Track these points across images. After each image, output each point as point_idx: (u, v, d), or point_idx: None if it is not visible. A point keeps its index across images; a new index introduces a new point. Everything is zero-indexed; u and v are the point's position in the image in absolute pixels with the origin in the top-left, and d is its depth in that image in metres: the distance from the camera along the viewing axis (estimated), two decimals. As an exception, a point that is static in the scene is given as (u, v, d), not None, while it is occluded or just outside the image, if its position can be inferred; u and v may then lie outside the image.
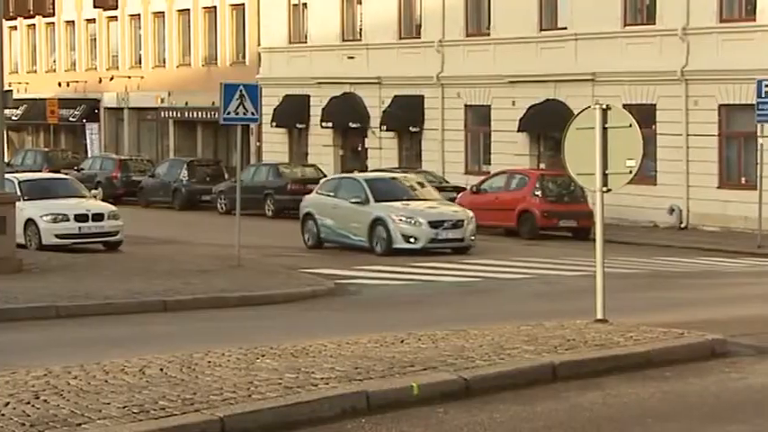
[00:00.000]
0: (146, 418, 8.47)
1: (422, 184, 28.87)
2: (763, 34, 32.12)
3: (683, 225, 33.89)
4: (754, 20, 32.51)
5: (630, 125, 13.28)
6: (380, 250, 25.83)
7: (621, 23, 35.42)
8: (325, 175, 40.42)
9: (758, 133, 29.16)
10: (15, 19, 59.01)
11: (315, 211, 27.70)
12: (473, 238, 26.51)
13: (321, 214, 27.52)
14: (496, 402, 9.66)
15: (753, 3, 32.78)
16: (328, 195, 27.89)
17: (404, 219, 25.92)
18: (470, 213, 26.88)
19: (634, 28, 35.24)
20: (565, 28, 36.75)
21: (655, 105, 34.37)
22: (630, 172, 13.25)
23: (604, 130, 13.24)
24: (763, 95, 28.51)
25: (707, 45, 33.31)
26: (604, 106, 13.41)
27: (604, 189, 13.36)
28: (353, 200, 26.87)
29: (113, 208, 27.56)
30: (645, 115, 32.26)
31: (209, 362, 10.57)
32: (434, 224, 25.90)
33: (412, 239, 25.79)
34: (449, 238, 26.07)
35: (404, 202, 26.66)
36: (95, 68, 55.86)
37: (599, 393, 10.07)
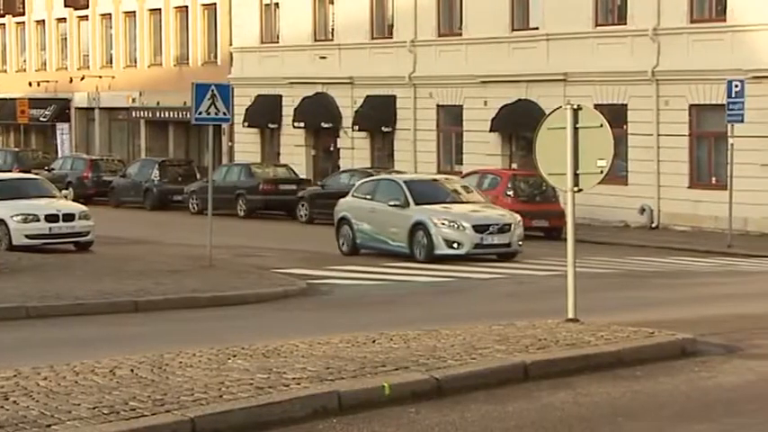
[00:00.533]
0: (116, 418, 8.43)
1: (466, 187, 27.06)
2: (734, 35, 32.30)
3: (654, 225, 34.04)
4: (725, 20, 32.68)
5: (601, 125, 13.33)
6: (421, 257, 24.08)
7: (593, 24, 35.54)
8: (296, 175, 40.60)
9: (728, 133, 29.30)
10: (-15, 18, 58.69)
11: (350, 216, 26.02)
12: (520, 243, 24.90)
13: (357, 219, 25.81)
14: (468, 402, 9.67)
15: (723, 3, 32.95)
16: (365, 198, 26.20)
17: (446, 223, 24.13)
18: (518, 217, 25.25)
19: (605, 28, 35.37)
20: (536, 28, 36.84)
21: (626, 105, 34.50)
22: (602, 172, 13.31)
23: (575, 130, 13.29)
24: (734, 95, 28.66)
25: (677, 45, 33.47)
26: (575, 106, 13.46)
27: (576, 189, 13.41)
28: (392, 203, 25.07)
29: (84, 208, 27.42)
30: (616, 115, 32.40)
31: (181, 362, 10.53)
32: (479, 228, 24.09)
33: (455, 245, 23.98)
34: (494, 243, 24.34)
35: (445, 205, 24.90)
36: (66, 68, 55.60)
37: (570, 393, 10.09)
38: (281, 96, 44.40)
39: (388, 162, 40.96)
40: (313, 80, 43.00)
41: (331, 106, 42.53)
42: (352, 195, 26.92)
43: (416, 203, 24.84)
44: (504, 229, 24.49)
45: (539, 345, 11.55)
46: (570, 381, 10.53)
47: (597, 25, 35.51)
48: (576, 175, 13.29)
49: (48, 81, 55.88)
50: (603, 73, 34.57)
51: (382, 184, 26.55)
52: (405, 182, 25.94)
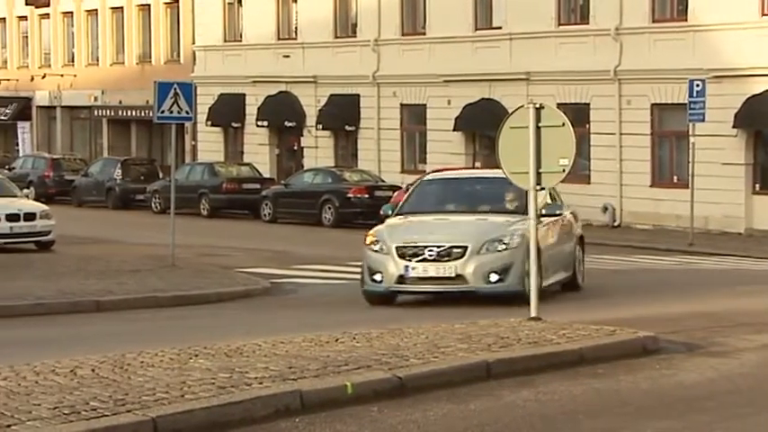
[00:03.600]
0: (77, 419, 8.37)
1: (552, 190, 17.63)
2: (695, 34, 32.51)
3: (616, 223, 34.21)
4: (686, 20, 32.89)
5: (563, 124, 13.41)
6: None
7: (555, 23, 35.67)
8: (260, 174, 40.53)
9: (690, 132, 29.51)
10: (-55, 16, 58.19)
11: None
12: (497, 278, 16.05)
13: None
14: (430, 401, 9.67)
15: (684, 3, 33.17)
16: None
17: (375, 244, 16.67)
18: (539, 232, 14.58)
19: (568, 28, 35.51)
20: (499, 27, 36.95)
21: (588, 105, 34.65)
22: (564, 170, 13.40)
23: (538, 129, 13.35)
24: (695, 95, 28.87)
25: (639, 45, 33.65)
26: (537, 105, 13.52)
27: (538, 188, 13.47)
28: (384, 211, 18.50)
29: (45, 207, 27.25)
30: (579, 114, 32.56)
31: (142, 362, 10.48)
32: (404, 252, 15.87)
33: (377, 277, 16.54)
34: (427, 276, 16.12)
35: (438, 216, 17.16)
36: (27, 66, 55.22)
37: (532, 391, 10.12)
38: (244, 95, 44.28)
39: (352, 161, 40.98)
40: (276, 79, 42.91)
41: (295, 105, 42.47)
42: None
43: (400, 213, 17.50)
44: (449, 253, 15.99)
45: (501, 343, 11.57)
46: (532, 379, 10.56)
47: (560, 25, 35.65)
48: (538, 174, 13.36)
49: (8, 79, 55.48)
50: (566, 72, 34.70)
51: None
52: (424, 181, 19.09)
